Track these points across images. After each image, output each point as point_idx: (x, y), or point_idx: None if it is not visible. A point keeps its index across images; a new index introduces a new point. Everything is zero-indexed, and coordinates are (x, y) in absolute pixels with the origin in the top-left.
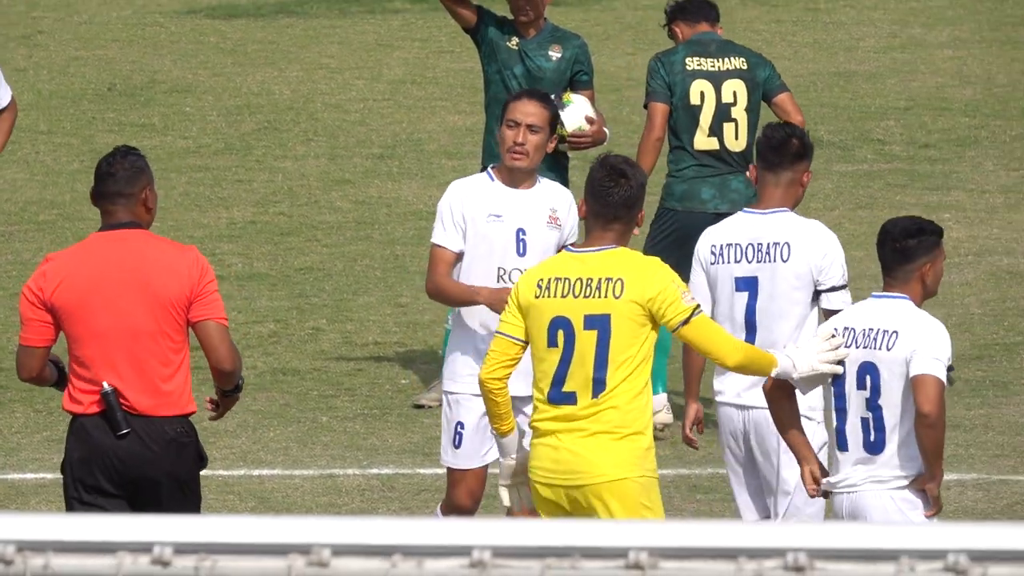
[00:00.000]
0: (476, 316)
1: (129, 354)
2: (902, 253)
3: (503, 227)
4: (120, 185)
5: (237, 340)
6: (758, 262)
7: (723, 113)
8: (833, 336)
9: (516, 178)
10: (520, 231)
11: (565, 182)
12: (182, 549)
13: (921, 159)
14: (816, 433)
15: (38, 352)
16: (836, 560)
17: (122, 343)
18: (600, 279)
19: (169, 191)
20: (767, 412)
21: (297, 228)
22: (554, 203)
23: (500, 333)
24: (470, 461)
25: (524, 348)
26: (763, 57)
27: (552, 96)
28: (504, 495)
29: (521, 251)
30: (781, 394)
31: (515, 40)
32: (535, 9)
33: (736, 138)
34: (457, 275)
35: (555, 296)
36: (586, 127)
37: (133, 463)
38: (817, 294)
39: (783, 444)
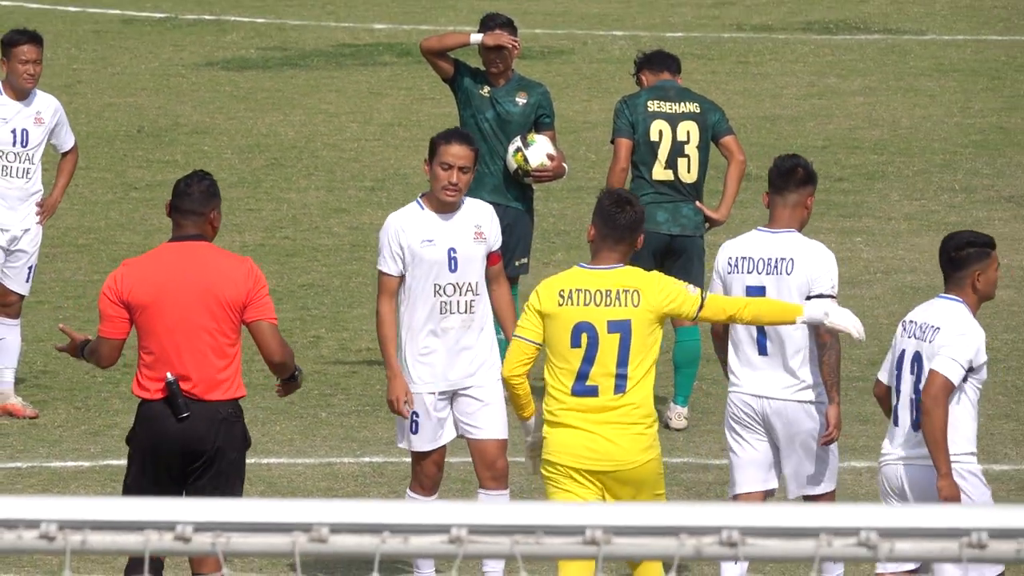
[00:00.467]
0: (420, 330)
1: (191, 347)
2: (954, 263)
3: (436, 249)
4: (195, 204)
5: (246, 347)
6: (767, 274)
7: (678, 149)
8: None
9: (445, 207)
10: (451, 250)
11: (531, 211)
12: (201, 527)
13: (836, 191)
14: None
15: (115, 343)
16: (765, 537)
17: (185, 338)
18: (619, 290)
19: None
20: (791, 403)
21: (300, 250)
22: (478, 220)
23: (519, 336)
24: (429, 444)
25: (539, 349)
26: (715, 104)
27: (519, 136)
28: (530, 464)
29: (453, 268)
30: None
31: (487, 88)
32: (504, 62)
33: (688, 171)
34: (403, 293)
35: (578, 305)
36: (548, 163)
37: (189, 439)
38: (808, 299)
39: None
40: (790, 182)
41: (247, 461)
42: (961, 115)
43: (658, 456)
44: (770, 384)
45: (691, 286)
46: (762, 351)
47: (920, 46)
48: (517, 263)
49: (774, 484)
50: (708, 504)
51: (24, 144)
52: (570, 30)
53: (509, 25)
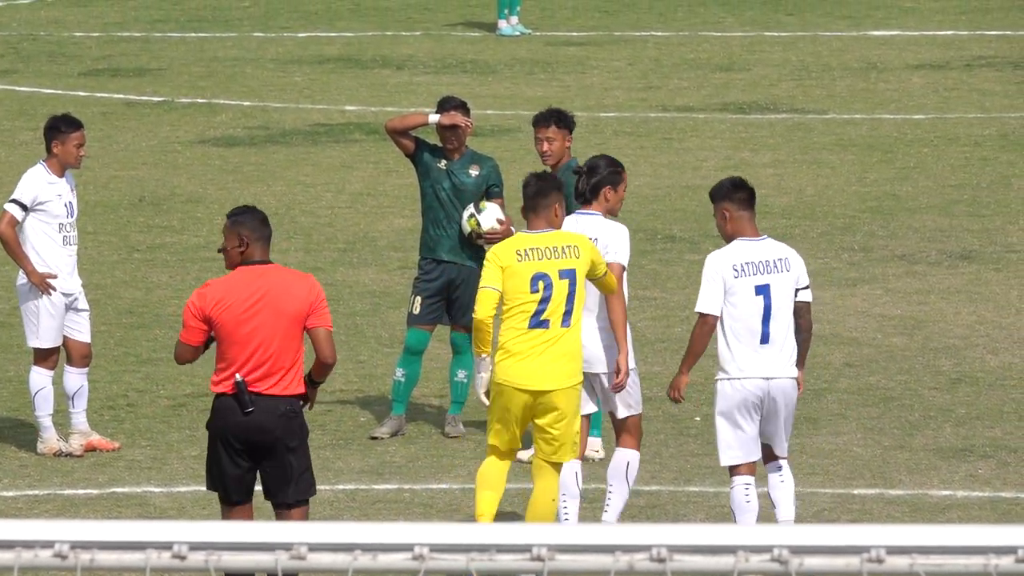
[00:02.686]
0: None
1: (262, 353)
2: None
3: None
4: (263, 230)
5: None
6: (769, 273)
7: None
8: None
9: None
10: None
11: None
12: (195, 547)
13: None
14: None
15: (190, 348)
16: (690, 553)
17: (257, 346)
18: (564, 246)
19: (184, 276)
20: (791, 380)
21: None
22: None
23: (488, 287)
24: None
25: (500, 296)
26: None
27: (472, 203)
28: (484, 399)
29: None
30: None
31: (444, 162)
32: (459, 139)
33: None
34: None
35: (534, 260)
36: (498, 227)
37: (253, 429)
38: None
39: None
40: (753, 200)
41: None
42: (859, 184)
43: (580, 385)
44: (776, 366)
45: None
46: (764, 340)
47: (823, 124)
48: (469, 314)
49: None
50: (639, 525)
51: (72, 215)
52: (517, 111)
53: (463, 107)
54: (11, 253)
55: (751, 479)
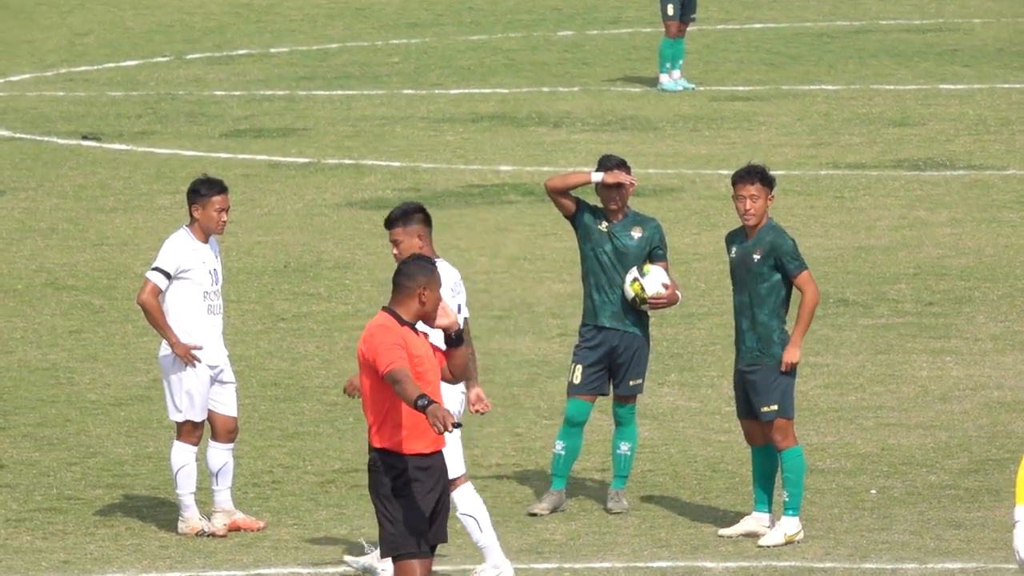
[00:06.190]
0: None
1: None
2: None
3: None
4: (395, 278)
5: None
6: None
7: None
8: None
9: None
10: None
11: (647, 335)
12: None
13: (927, 314)
14: None
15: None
16: None
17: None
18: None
19: (332, 346)
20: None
21: None
22: None
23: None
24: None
25: None
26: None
27: (635, 267)
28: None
29: None
30: None
31: (605, 224)
32: (621, 199)
33: None
34: None
35: None
36: (663, 291)
37: None
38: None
39: None
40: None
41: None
42: None
43: None
44: None
45: None
46: None
47: (1002, 180)
48: (632, 383)
49: None
50: None
51: (216, 282)
52: (680, 169)
53: (624, 165)
54: (154, 324)
55: None
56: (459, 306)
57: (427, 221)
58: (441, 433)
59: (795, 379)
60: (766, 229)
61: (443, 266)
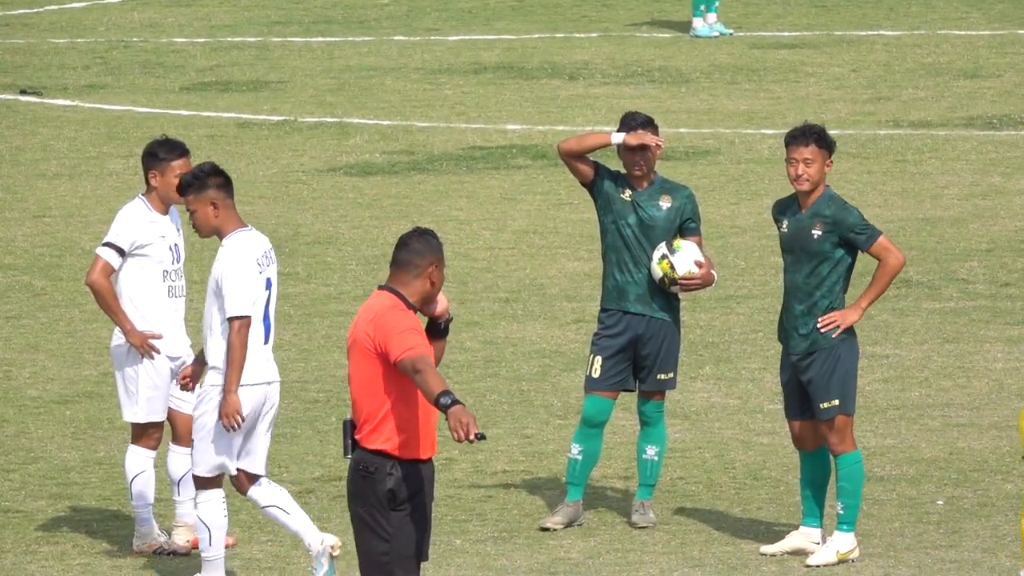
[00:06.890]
0: None
1: (353, 391)
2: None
3: None
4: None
5: None
6: None
7: None
8: None
9: None
10: None
11: (677, 321)
12: None
13: (1002, 296)
14: None
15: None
16: None
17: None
18: None
19: (312, 334)
20: None
21: None
22: None
23: None
24: None
25: None
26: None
27: (664, 242)
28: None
29: None
30: None
31: (628, 192)
32: (647, 163)
33: None
34: None
35: None
36: (695, 270)
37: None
38: None
39: None
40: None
41: None
42: None
43: None
44: None
45: None
46: None
47: None
48: (660, 377)
49: None
50: None
51: (178, 260)
52: (716, 129)
53: (651, 124)
54: (105, 308)
55: None
56: (268, 280)
57: (224, 186)
58: (460, 442)
59: (856, 369)
60: (824, 200)
61: (252, 236)
